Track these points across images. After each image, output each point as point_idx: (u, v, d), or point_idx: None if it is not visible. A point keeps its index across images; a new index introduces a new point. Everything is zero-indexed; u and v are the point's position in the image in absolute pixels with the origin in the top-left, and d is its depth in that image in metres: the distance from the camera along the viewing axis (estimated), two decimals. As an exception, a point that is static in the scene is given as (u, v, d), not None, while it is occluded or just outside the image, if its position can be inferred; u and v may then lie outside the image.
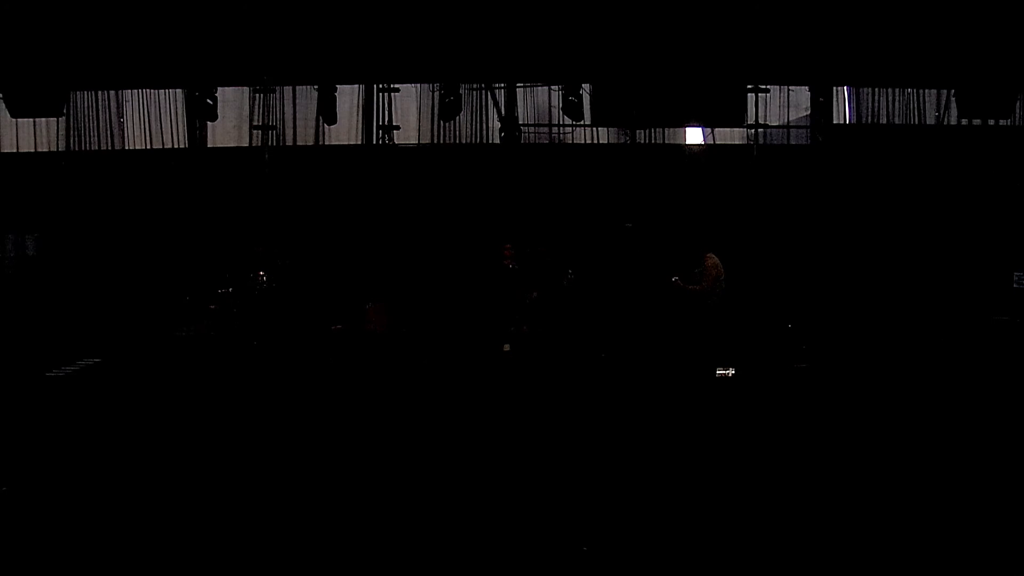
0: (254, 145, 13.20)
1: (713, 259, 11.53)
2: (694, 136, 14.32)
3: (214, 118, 12.18)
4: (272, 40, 11.41)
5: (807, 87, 12.75)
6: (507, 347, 11.44)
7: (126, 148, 13.90)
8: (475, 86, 13.68)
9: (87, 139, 13.87)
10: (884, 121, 13.80)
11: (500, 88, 13.40)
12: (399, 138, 13.30)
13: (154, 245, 13.19)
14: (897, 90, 13.81)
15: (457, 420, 8.46)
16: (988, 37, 11.16)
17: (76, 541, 5.03)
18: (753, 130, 13.52)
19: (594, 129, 13.90)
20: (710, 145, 14.20)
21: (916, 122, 13.96)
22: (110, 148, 13.84)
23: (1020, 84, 11.82)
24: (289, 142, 14.01)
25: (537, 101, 14.14)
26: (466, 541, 5.39)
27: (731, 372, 10.28)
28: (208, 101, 11.77)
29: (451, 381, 10.24)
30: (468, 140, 14.04)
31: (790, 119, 14.04)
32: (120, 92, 13.73)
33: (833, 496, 6.65)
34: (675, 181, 14.04)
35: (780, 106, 13.94)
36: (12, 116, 12.06)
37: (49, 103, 11.52)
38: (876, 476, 7.84)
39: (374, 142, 13.45)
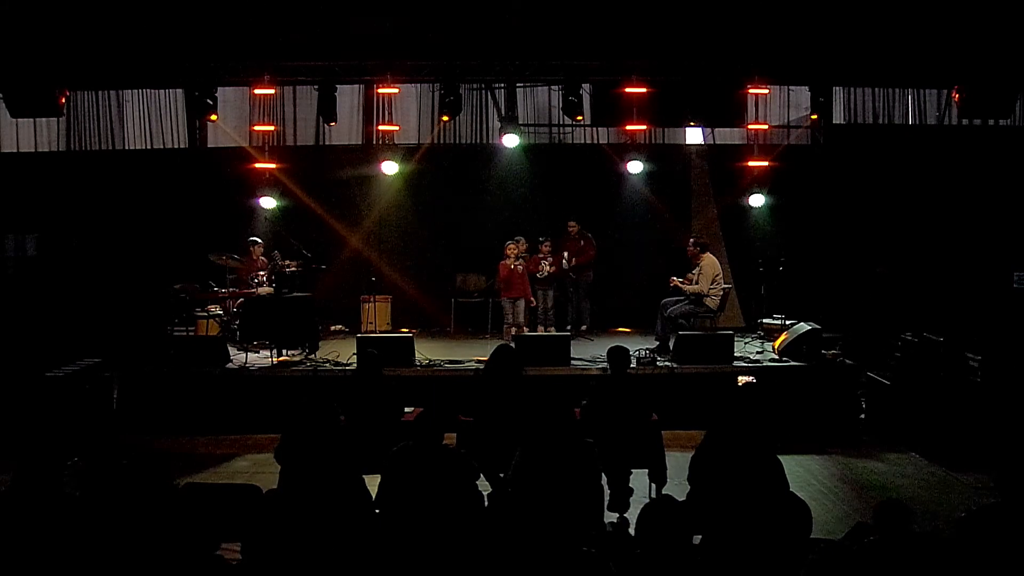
0: (254, 145, 13.20)
1: (709, 258, 11.49)
2: (694, 136, 14.30)
3: (214, 118, 12.16)
4: (272, 40, 11.40)
5: (807, 87, 12.73)
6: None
7: (126, 148, 13.90)
8: (475, 86, 13.67)
9: (87, 139, 13.87)
10: (885, 121, 13.81)
11: (500, 88, 13.38)
12: (399, 138, 13.29)
13: (154, 245, 13.18)
14: (898, 90, 13.82)
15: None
16: (988, 37, 11.16)
17: (76, 541, 5.02)
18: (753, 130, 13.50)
19: (594, 129, 13.89)
20: (710, 145, 14.20)
21: (916, 122, 13.97)
22: (110, 148, 13.85)
23: (1020, 84, 11.81)
24: (289, 142, 14.02)
25: (537, 101, 14.13)
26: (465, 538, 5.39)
27: (751, 379, 10.06)
28: (208, 101, 11.74)
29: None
30: (468, 140, 14.03)
31: (790, 119, 14.03)
32: (120, 92, 13.74)
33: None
34: (672, 181, 14.05)
35: (780, 106, 13.92)
36: (12, 116, 12.04)
37: (49, 103, 11.48)
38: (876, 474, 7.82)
39: (374, 142, 13.44)
